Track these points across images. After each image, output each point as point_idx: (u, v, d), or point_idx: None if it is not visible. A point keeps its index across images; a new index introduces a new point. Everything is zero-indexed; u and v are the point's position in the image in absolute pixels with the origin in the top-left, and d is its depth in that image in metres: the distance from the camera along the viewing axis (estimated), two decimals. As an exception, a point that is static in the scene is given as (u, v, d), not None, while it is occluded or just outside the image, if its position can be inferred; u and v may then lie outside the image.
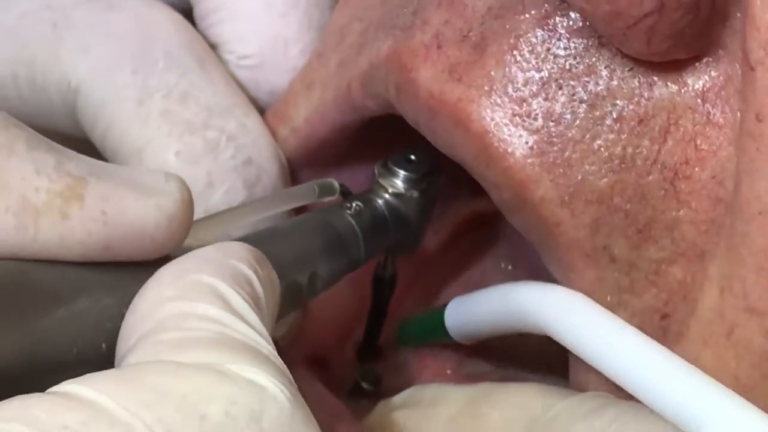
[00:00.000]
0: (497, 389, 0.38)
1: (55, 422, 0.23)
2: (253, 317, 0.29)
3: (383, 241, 0.42)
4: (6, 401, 0.24)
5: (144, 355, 0.27)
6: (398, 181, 0.42)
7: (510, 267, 0.48)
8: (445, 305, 0.43)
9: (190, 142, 0.42)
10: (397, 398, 0.41)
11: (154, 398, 0.25)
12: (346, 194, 0.42)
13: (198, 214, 0.41)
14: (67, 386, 0.25)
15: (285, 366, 0.28)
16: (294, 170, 0.45)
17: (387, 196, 0.42)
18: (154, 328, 0.28)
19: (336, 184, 0.42)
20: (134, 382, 0.25)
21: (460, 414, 0.37)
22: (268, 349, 0.28)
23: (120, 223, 0.30)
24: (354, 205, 0.41)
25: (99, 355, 0.29)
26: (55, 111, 0.44)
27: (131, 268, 0.30)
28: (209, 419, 0.25)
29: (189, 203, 0.32)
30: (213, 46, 0.46)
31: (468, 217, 0.49)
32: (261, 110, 0.46)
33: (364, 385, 0.46)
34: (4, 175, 0.29)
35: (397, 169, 0.43)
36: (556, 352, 0.37)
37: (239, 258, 0.31)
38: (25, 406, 0.23)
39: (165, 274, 0.30)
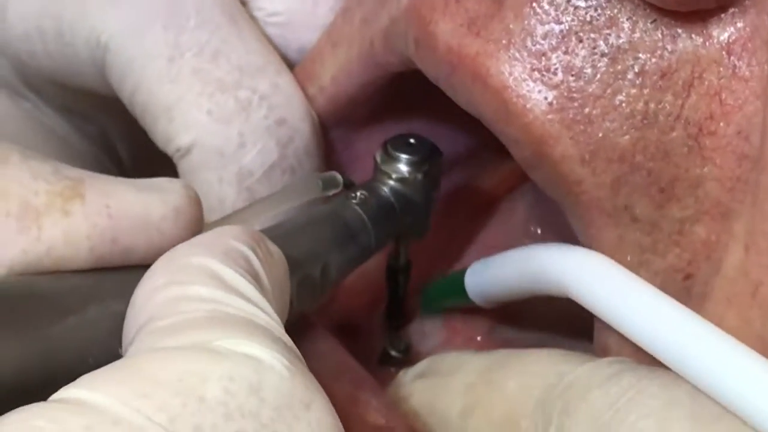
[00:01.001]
0: (514, 357, 0.37)
1: (59, 430, 0.23)
2: (250, 289, 0.28)
3: (392, 226, 0.42)
4: (7, 414, 0.23)
5: (140, 346, 0.26)
6: (401, 166, 0.42)
7: (539, 230, 0.47)
8: (465, 269, 0.43)
9: (221, 101, 0.41)
10: (417, 367, 0.41)
11: (151, 388, 0.24)
12: (350, 185, 0.42)
13: (231, 174, 0.41)
14: (66, 392, 0.24)
15: (285, 335, 0.28)
16: (324, 128, 0.45)
17: (391, 182, 0.42)
18: (149, 319, 0.27)
19: (339, 177, 0.41)
20: (129, 376, 0.25)
21: (476, 383, 0.37)
22: (266, 320, 0.28)
23: (125, 215, 0.30)
24: (359, 194, 0.41)
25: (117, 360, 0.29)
26: (83, 67, 0.43)
27: (139, 273, 0.30)
28: (209, 399, 0.24)
29: (195, 200, 0.32)
30: (242, 3, 0.45)
31: (496, 182, 0.48)
32: (290, 67, 0.45)
33: (393, 352, 0.46)
34: (1, 182, 0.29)
35: (398, 154, 0.42)
36: (585, 317, 0.36)
37: (233, 237, 0.30)
38: (26, 417, 0.23)
39: (157, 264, 0.29)
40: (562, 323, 0.44)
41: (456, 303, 0.45)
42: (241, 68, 0.42)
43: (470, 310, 0.45)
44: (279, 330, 0.28)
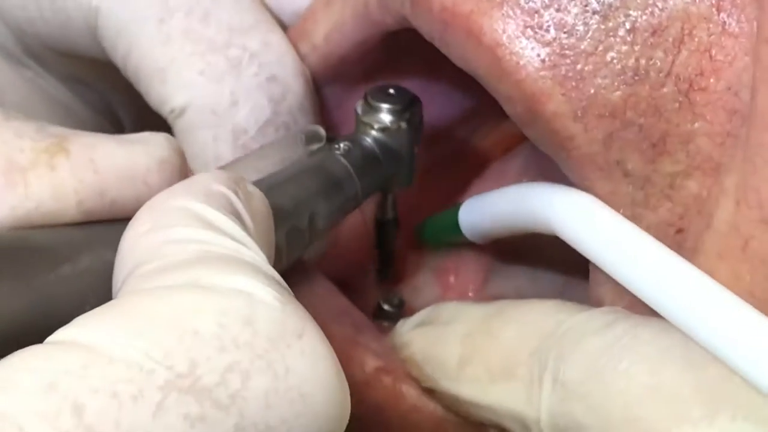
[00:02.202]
0: (511, 306, 0.38)
1: (56, 369, 0.23)
2: (232, 227, 0.29)
3: (377, 175, 0.42)
4: (6, 357, 0.24)
5: (129, 291, 0.27)
6: (382, 115, 0.42)
7: None
8: (459, 204, 0.43)
9: (212, 60, 0.42)
10: (416, 317, 0.41)
11: (145, 325, 0.25)
12: (332, 139, 0.42)
13: (225, 132, 0.41)
14: (61, 334, 0.25)
15: (273, 270, 0.28)
16: (317, 88, 0.45)
17: (373, 132, 0.42)
18: (135, 264, 0.28)
19: (322, 131, 0.42)
20: (123, 315, 0.25)
21: (474, 331, 0.38)
22: (252, 256, 0.28)
23: (110, 168, 0.31)
24: (342, 145, 0.41)
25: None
26: (78, 32, 0.44)
27: (127, 224, 0.30)
28: (203, 332, 0.25)
29: (179, 151, 0.32)
30: None
31: (489, 144, 0.49)
32: (285, 30, 0.45)
33: (387, 307, 0.46)
34: None
35: (379, 104, 0.42)
36: (580, 271, 0.37)
37: (212, 179, 0.30)
38: (24, 358, 0.24)
39: (140, 211, 0.29)
40: (556, 278, 0.45)
41: (450, 238, 0.45)
42: (231, 27, 0.42)
43: (463, 264, 0.46)
44: (265, 265, 0.28)
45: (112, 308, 0.26)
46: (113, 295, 0.29)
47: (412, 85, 0.46)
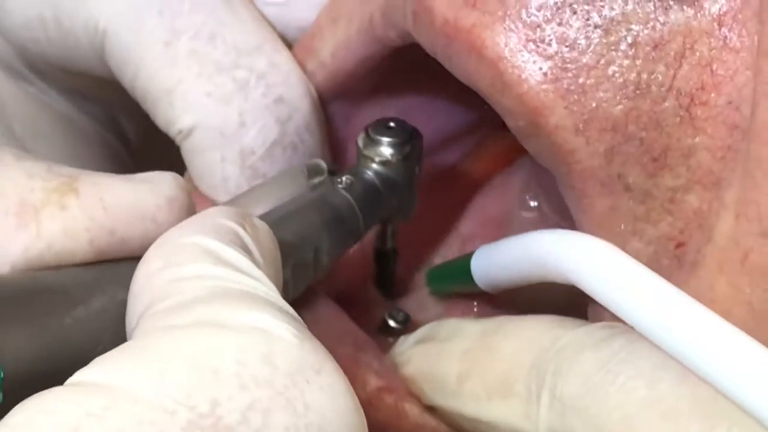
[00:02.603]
0: (510, 322, 0.38)
1: (78, 412, 0.23)
2: (244, 262, 0.29)
3: (379, 209, 0.43)
4: (26, 400, 0.24)
5: (145, 329, 0.27)
6: (383, 149, 0.43)
7: (535, 203, 0.47)
8: (471, 253, 0.43)
9: (219, 82, 0.42)
10: (417, 333, 0.42)
11: (165, 365, 0.25)
12: (334, 172, 0.42)
13: (233, 153, 0.42)
14: (80, 376, 0.25)
15: (287, 305, 0.28)
16: (324, 104, 0.45)
17: (374, 165, 0.43)
18: (149, 303, 0.28)
19: (323, 164, 0.42)
20: (143, 355, 0.25)
21: (473, 347, 0.38)
22: (266, 291, 0.28)
23: (119, 207, 0.31)
24: (344, 179, 0.41)
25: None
26: (84, 53, 0.44)
27: (138, 263, 0.30)
28: (223, 371, 0.25)
29: (185, 189, 0.33)
30: None
31: (493, 156, 0.49)
32: (289, 47, 0.45)
33: (392, 323, 0.46)
34: None
35: (379, 137, 0.43)
36: (582, 301, 0.37)
37: (219, 215, 0.31)
38: (44, 401, 0.23)
39: (150, 249, 0.30)
40: (559, 293, 0.45)
41: (462, 287, 0.45)
42: (237, 48, 0.43)
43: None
44: (280, 300, 0.28)
45: (131, 349, 0.26)
46: (127, 334, 0.29)
47: (417, 100, 0.46)
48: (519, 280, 0.40)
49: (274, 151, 0.43)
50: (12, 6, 0.44)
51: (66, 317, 0.29)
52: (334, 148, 0.47)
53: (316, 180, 0.42)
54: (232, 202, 0.40)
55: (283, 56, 0.44)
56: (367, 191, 0.42)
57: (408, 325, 0.46)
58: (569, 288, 0.36)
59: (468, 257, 0.43)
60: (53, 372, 0.26)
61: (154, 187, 0.32)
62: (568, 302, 0.39)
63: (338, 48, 0.44)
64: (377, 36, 0.41)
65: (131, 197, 0.31)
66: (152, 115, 0.43)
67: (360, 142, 0.43)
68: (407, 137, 0.43)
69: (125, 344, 0.26)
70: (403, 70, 0.45)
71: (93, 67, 0.45)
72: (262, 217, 0.36)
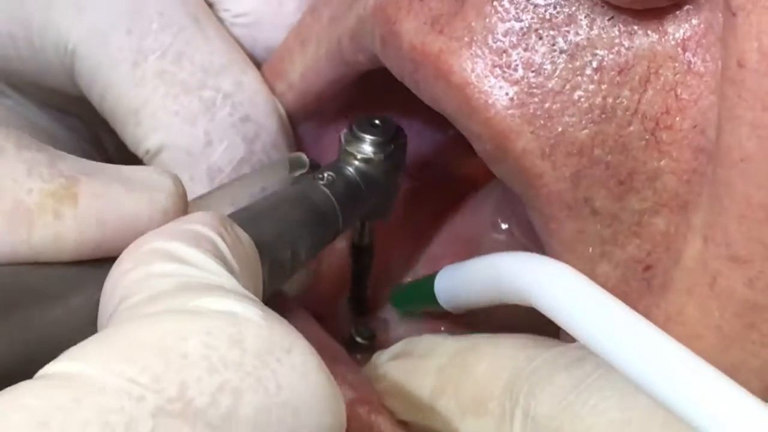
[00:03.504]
0: (485, 341, 0.38)
1: (48, 406, 0.23)
2: (212, 265, 0.29)
3: (359, 207, 0.42)
4: None
5: (115, 322, 0.27)
6: (366, 146, 0.43)
7: (506, 225, 0.47)
8: (435, 273, 0.43)
9: (186, 102, 0.42)
10: (392, 349, 0.42)
11: (132, 351, 0.25)
12: (316, 167, 0.42)
13: (201, 172, 0.42)
14: (50, 368, 0.25)
15: (254, 296, 0.28)
16: (294, 125, 0.46)
17: (356, 162, 0.43)
18: (120, 299, 0.28)
19: (305, 158, 0.42)
20: (110, 344, 0.25)
21: (448, 365, 0.38)
22: (233, 285, 0.28)
23: (113, 220, 0.31)
24: (326, 175, 0.41)
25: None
26: (55, 72, 0.44)
27: None
28: (191, 354, 0.25)
29: (183, 197, 0.33)
30: (209, 5, 0.46)
31: (464, 178, 0.49)
32: (258, 66, 0.46)
33: (359, 339, 0.47)
34: None
35: (363, 135, 0.43)
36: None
37: (199, 222, 0.31)
38: (15, 396, 0.23)
39: (124, 252, 0.30)
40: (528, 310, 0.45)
41: (425, 306, 0.45)
42: (204, 68, 0.43)
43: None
44: (247, 292, 0.28)
45: (99, 339, 0.26)
46: (99, 329, 0.29)
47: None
48: (481, 301, 0.40)
49: (241, 169, 0.43)
50: None
51: (44, 314, 0.29)
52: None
53: (298, 173, 0.42)
54: (211, 194, 0.40)
55: (250, 76, 0.44)
56: (348, 188, 0.42)
57: (375, 342, 0.46)
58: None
59: (432, 277, 0.43)
60: (28, 369, 0.26)
61: (151, 197, 0.31)
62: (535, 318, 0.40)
63: (307, 70, 0.44)
64: (346, 59, 0.41)
65: (128, 210, 0.31)
66: (120, 135, 0.43)
67: (343, 138, 0.43)
68: (391, 136, 0.43)
69: (94, 335, 0.26)
70: (373, 92, 0.45)
71: (64, 85, 0.45)
72: (241, 211, 0.36)
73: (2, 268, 0.29)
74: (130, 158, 0.44)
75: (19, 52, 0.44)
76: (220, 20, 0.45)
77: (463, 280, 0.41)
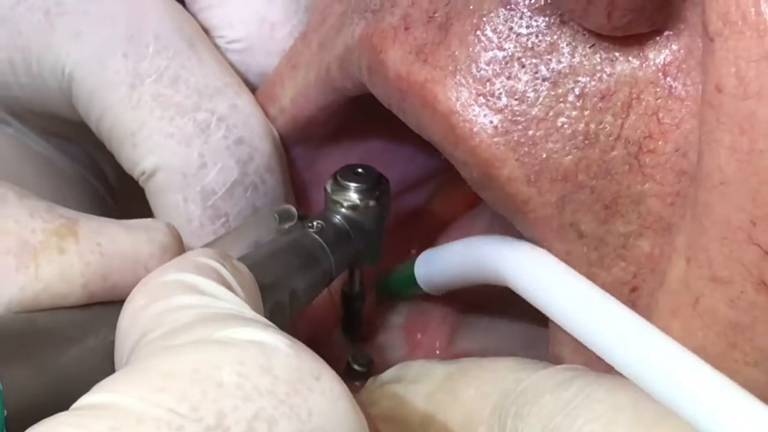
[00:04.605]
0: (474, 365, 0.38)
1: None
2: (227, 294, 0.30)
3: (349, 251, 0.43)
4: (32, 427, 0.24)
5: (142, 354, 0.27)
6: (351, 194, 0.44)
7: None
8: (415, 257, 0.45)
9: (181, 124, 0.43)
10: (385, 375, 0.42)
11: (168, 382, 0.25)
12: (304, 218, 0.43)
13: (195, 193, 0.43)
14: (86, 399, 0.25)
15: (274, 325, 0.29)
16: (286, 149, 0.46)
17: (343, 210, 0.44)
18: (140, 335, 0.28)
19: (293, 210, 0.43)
20: (143, 375, 0.26)
21: (437, 390, 0.38)
22: (252, 314, 0.29)
23: (115, 253, 0.32)
24: (315, 223, 0.43)
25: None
26: (53, 97, 0.45)
27: None
28: (226, 383, 0.25)
29: (178, 238, 0.34)
30: (204, 31, 0.46)
31: (455, 201, 0.49)
32: (252, 92, 0.46)
33: (356, 366, 0.47)
34: (0, 220, 0.30)
35: (348, 183, 0.44)
36: (542, 319, 0.38)
37: (200, 254, 0.32)
38: (53, 426, 0.24)
39: (135, 289, 0.30)
40: (521, 330, 0.46)
41: (408, 290, 0.47)
42: (199, 91, 0.43)
43: (430, 321, 0.47)
44: (267, 320, 0.29)
45: (132, 370, 0.26)
46: (117, 368, 0.30)
47: (380, 145, 0.46)
48: (459, 281, 0.42)
49: (234, 191, 0.43)
50: None
51: (62, 356, 0.29)
52: (299, 191, 0.47)
53: (287, 225, 0.43)
54: (208, 246, 0.41)
55: (245, 99, 0.45)
56: (337, 235, 0.43)
57: (371, 369, 0.47)
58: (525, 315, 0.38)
59: (412, 261, 0.45)
60: (50, 410, 0.26)
61: (150, 235, 0.33)
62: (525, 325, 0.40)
63: (297, 95, 0.44)
64: (335, 86, 0.42)
65: (128, 245, 0.32)
66: (117, 157, 0.44)
67: (329, 188, 0.44)
68: (375, 183, 0.44)
69: (124, 368, 0.26)
70: (365, 116, 0.45)
71: (63, 110, 0.45)
72: (239, 260, 0.36)
73: (15, 315, 0.30)
74: (131, 188, 0.45)
75: (18, 78, 0.45)
76: (216, 47, 0.46)
77: (442, 263, 0.43)
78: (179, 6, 0.46)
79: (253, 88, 0.46)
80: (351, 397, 0.27)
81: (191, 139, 0.43)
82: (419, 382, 0.39)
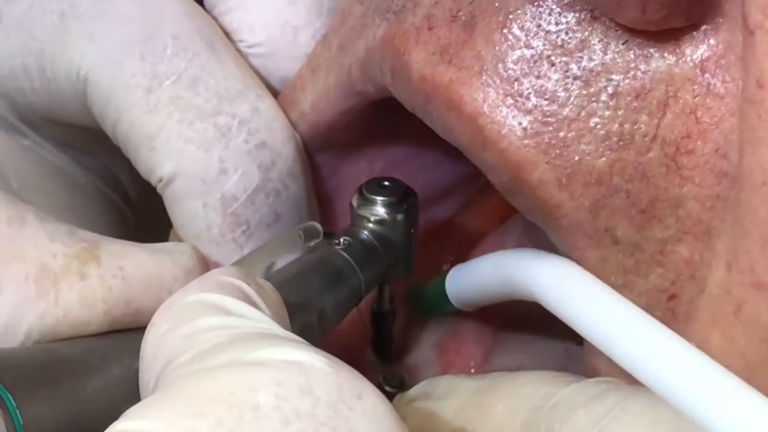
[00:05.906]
0: (503, 380, 0.37)
1: None
2: (255, 313, 0.29)
3: (378, 268, 0.42)
4: None
5: (173, 379, 0.26)
6: (378, 208, 0.42)
7: None
8: (446, 273, 0.43)
9: (201, 128, 0.41)
10: (413, 391, 0.41)
11: (202, 407, 0.24)
12: (330, 234, 0.42)
13: (215, 200, 0.41)
14: (117, 427, 0.24)
15: (308, 342, 0.28)
16: (309, 155, 0.45)
17: (370, 225, 0.42)
18: (167, 360, 0.27)
19: (319, 227, 0.42)
20: (175, 400, 0.25)
21: (466, 406, 0.37)
22: (284, 332, 0.28)
23: (138, 277, 0.31)
24: (342, 240, 0.41)
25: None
26: (68, 101, 0.44)
27: None
28: (263, 406, 0.24)
29: (203, 260, 0.33)
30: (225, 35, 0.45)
31: (485, 215, 0.48)
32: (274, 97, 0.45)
33: (388, 388, 0.46)
34: (19, 245, 0.30)
35: (374, 197, 0.43)
36: (577, 337, 0.36)
37: (222, 273, 0.30)
38: None
39: (157, 313, 0.29)
40: (557, 349, 0.44)
41: (439, 307, 0.45)
42: (219, 94, 0.42)
43: (464, 341, 0.46)
44: (300, 338, 0.28)
45: (163, 396, 0.25)
46: (142, 397, 0.29)
47: (405, 152, 0.45)
48: (491, 297, 0.41)
49: (256, 198, 0.42)
50: None
51: (85, 386, 0.29)
52: (323, 199, 0.46)
53: (312, 243, 0.42)
54: (237, 263, 0.40)
55: (267, 103, 0.43)
56: (365, 251, 0.42)
57: (403, 389, 0.46)
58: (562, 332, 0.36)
59: (443, 276, 0.44)
60: None
61: (173, 258, 0.32)
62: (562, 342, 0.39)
63: (318, 99, 0.43)
64: (355, 89, 0.41)
65: (151, 268, 0.31)
66: (134, 162, 0.43)
67: (354, 202, 0.43)
68: (402, 195, 0.43)
69: (156, 393, 0.25)
70: (389, 122, 0.44)
71: (78, 115, 0.44)
72: (266, 280, 0.36)
73: (36, 346, 0.30)
74: (149, 199, 0.44)
75: (32, 84, 0.44)
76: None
77: (472, 278, 0.42)
78: (198, 7, 0.45)
79: (275, 94, 0.45)
80: (395, 415, 0.26)
81: (211, 143, 0.41)
82: (447, 398, 0.38)
